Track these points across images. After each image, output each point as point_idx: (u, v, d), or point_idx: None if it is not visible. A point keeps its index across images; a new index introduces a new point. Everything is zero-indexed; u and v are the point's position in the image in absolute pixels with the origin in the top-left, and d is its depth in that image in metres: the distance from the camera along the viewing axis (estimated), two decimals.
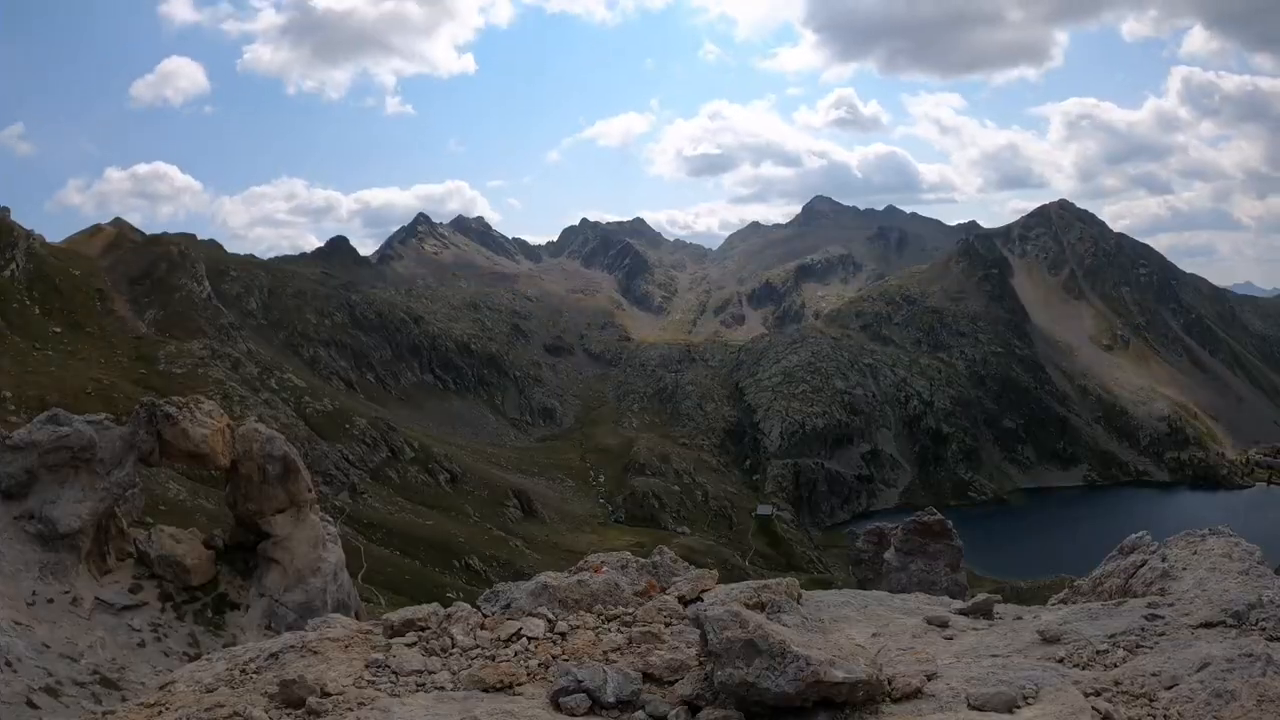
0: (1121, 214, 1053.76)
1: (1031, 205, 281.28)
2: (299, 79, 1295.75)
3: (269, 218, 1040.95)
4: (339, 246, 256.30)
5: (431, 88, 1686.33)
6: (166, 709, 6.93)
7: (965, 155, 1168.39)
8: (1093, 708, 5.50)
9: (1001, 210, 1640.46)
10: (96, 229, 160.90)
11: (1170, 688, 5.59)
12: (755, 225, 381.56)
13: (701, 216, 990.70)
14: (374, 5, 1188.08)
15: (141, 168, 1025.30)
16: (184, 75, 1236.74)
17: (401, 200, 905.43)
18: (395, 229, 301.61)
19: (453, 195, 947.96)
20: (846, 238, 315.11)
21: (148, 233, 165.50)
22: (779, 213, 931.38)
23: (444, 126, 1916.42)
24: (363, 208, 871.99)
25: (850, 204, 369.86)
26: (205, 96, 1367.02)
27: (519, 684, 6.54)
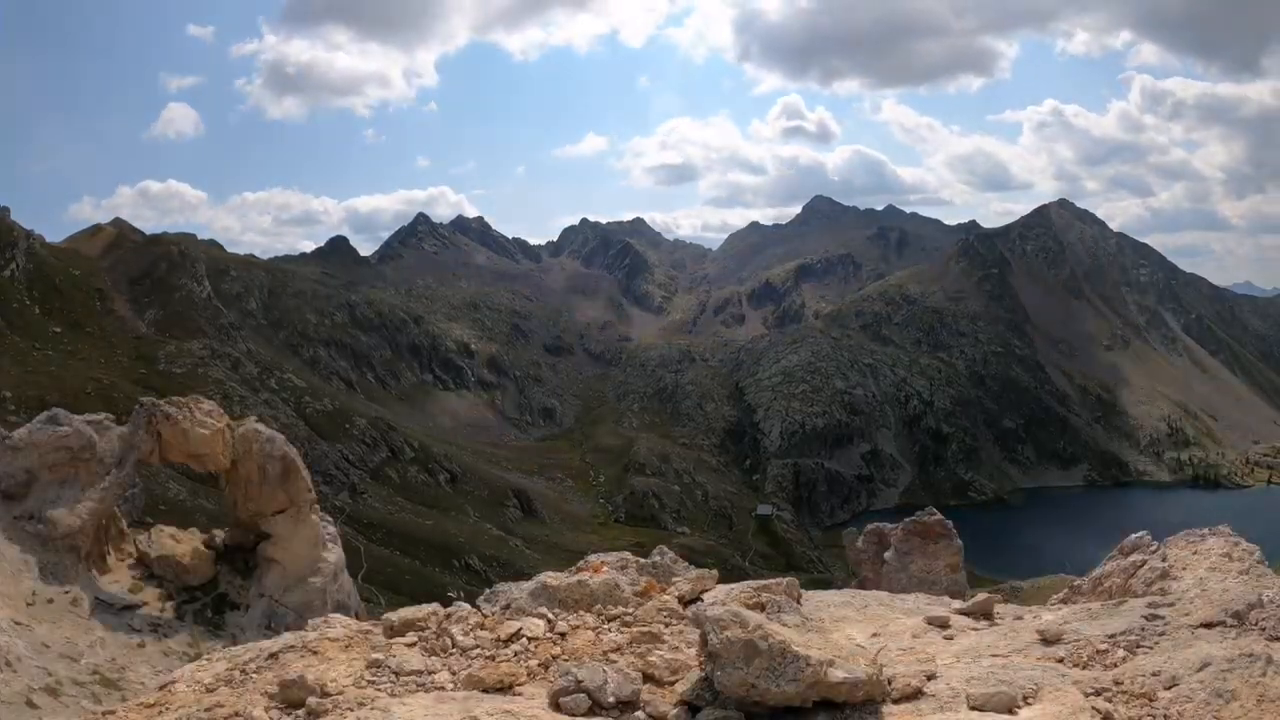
0: (1109, 215, 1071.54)
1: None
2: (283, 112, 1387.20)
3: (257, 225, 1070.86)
4: (339, 247, 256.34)
5: (401, 116, 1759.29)
6: (166, 709, 6.93)
7: (938, 159, 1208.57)
8: (1093, 708, 5.50)
9: (987, 211, 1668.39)
10: (96, 229, 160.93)
11: (1170, 688, 5.59)
12: (755, 225, 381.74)
13: (681, 219, 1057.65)
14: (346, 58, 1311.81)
15: (154, 185, 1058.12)
16: (184, 119, 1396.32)
17: (388, 205, 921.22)
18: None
19: (437, 200, 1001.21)
20: (846, 238, 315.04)
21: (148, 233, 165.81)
22: (758, 214, 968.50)
23: (411, 149, 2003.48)
24: (350, 214, 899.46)
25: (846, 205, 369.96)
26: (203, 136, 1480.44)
27: (519, 684, 6.54)
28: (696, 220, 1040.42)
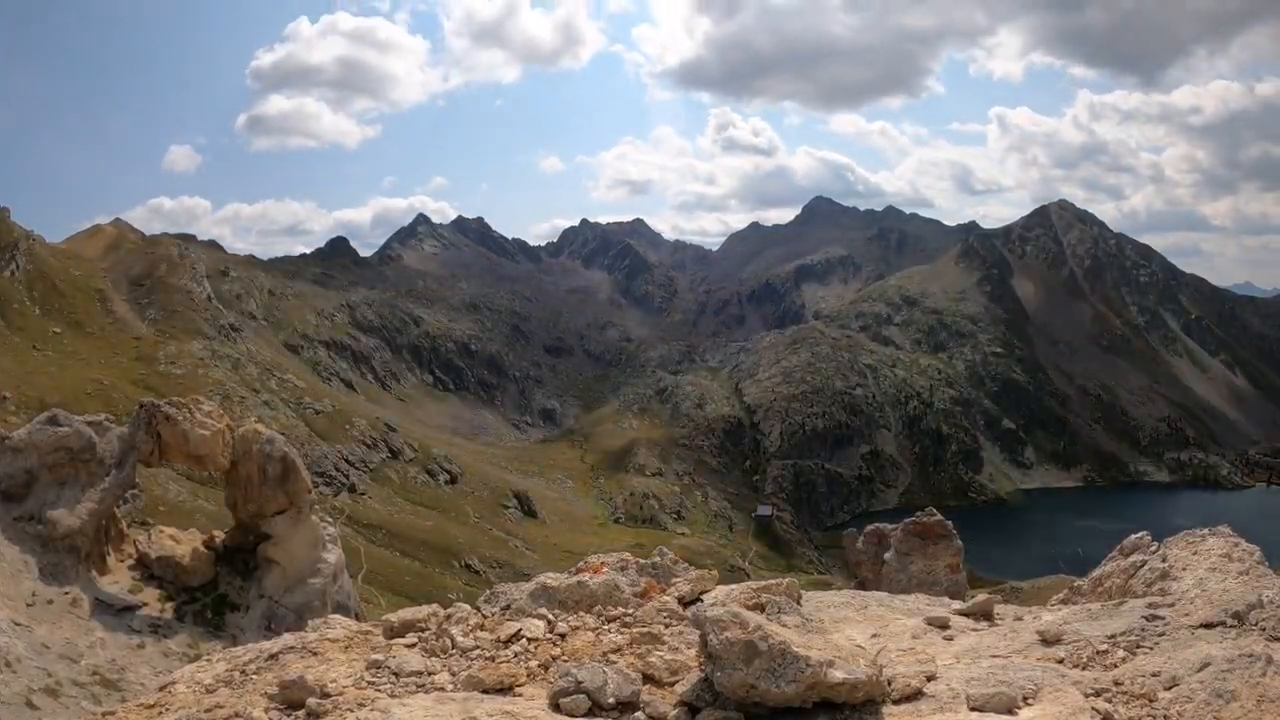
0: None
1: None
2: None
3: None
4: (339, 247, 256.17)
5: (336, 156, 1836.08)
6: (166, 710, 6.93)
7: (907, 166, 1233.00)
8: (1093, 708, 5.50)
9: (971, 215, 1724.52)
10: (96, 229, 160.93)
11: (1170, 688, 5.59)
12: (755, 225, 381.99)
13: (656, 224, 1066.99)
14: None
15: (167, 201, 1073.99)
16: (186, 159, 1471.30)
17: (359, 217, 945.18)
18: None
19: (417, 207, 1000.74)
20: (846, 238, 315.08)
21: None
22: (735, 218, 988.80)
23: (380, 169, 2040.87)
24: (336, 223, 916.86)
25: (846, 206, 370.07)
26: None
27: (519, 685, 6.54)
28: (664, 224, 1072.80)
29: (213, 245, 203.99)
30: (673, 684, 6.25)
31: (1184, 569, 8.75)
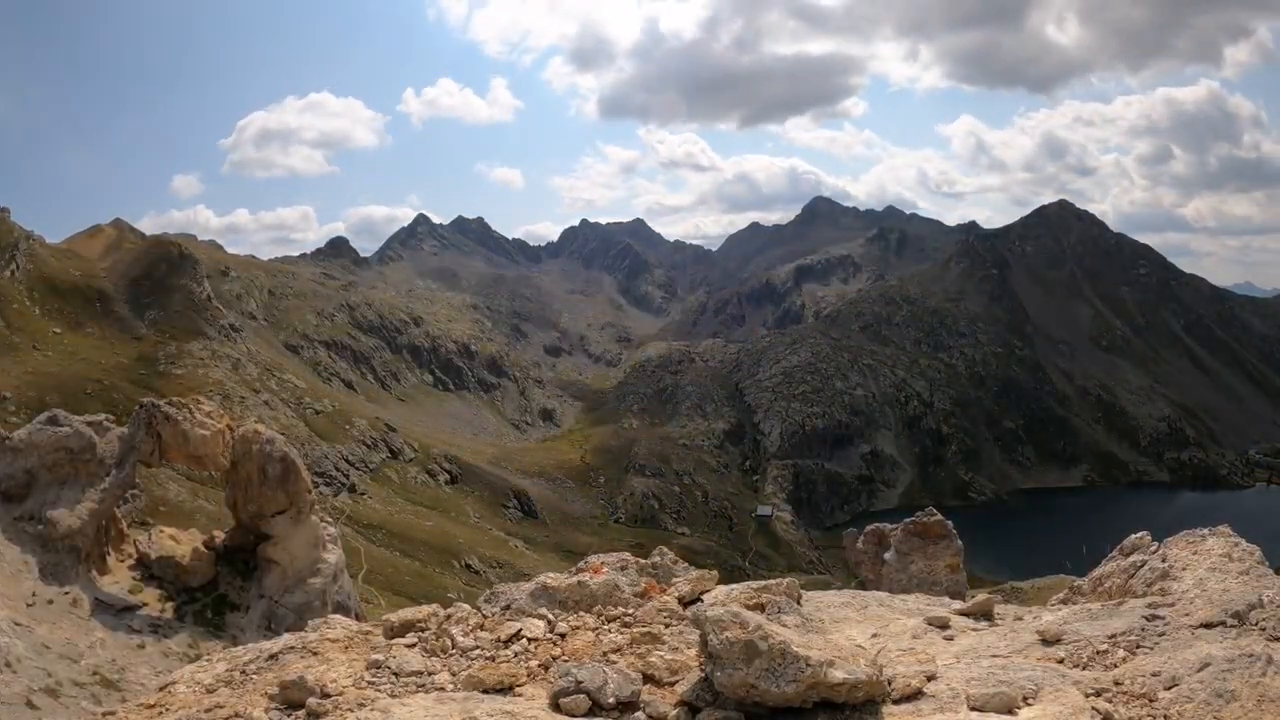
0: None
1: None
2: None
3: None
4: (339, 247, 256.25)
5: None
6: (166, 710, 6.93)
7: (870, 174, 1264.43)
8: (1093, 708, 5.50)
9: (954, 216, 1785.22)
10: (96, 229, 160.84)
11: (1170, 688, 5.59)
12: (755, 226, 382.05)
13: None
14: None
15: (176, 215, 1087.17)
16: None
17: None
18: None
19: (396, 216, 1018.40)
20: (846, 238, 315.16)
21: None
22: (710, 221, 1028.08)
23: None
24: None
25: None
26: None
27: (519, 685, 6.54)
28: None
29: (213, 245, 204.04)
30: (673, 684, 6.25)
31: (1184, 569, 8.74)
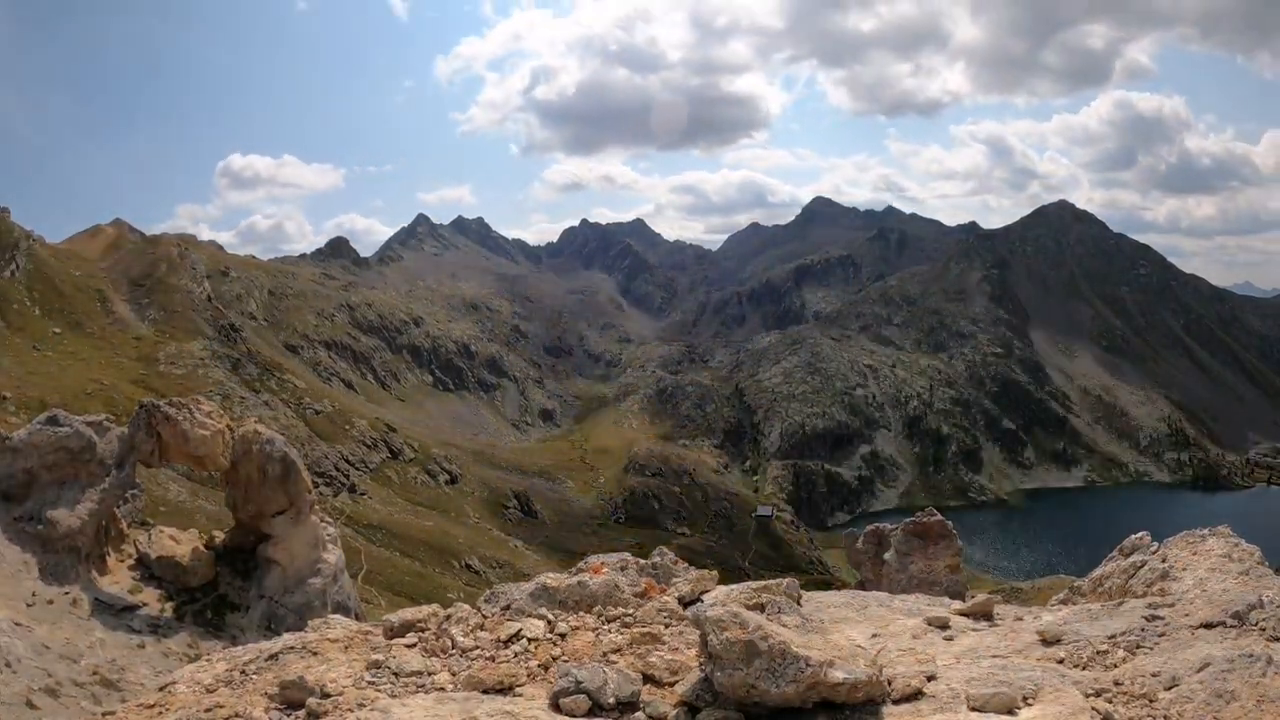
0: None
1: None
2: None
3: None
4: (339, 247, 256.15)
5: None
6: (166, 710, 6.94)
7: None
8: (1093, 708, 5.50)
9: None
10: (96, 229, 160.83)
11: (1170, 688, 5.59)
12: (755, 226, 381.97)
13: None
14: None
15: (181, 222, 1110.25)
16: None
17: None
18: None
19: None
20: (846, 238, 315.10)
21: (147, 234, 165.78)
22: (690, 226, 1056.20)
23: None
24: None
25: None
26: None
27: (519, 685, 6.54)
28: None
29: (213, 245, 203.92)
30: (673, 684, 6.26)
31: (1184, 569, 8.74)
